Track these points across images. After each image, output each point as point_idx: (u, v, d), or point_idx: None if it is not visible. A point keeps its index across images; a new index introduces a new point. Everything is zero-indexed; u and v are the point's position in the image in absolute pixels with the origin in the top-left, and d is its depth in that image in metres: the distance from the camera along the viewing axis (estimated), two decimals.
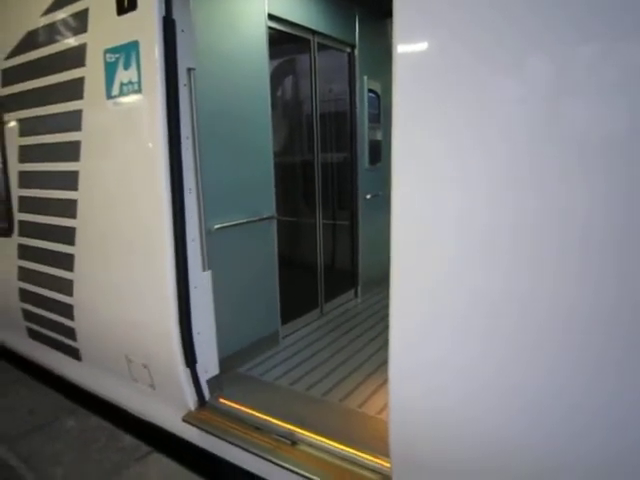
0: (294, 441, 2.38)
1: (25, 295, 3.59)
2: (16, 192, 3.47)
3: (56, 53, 2.89)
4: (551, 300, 1.52)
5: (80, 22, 2.67)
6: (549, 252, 1.50)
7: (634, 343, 1.41)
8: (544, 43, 1.44)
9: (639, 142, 1.32)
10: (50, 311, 3.38)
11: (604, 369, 1.48)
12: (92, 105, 2.71)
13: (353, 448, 2.24)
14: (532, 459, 1.66)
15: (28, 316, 3.64)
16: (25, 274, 3.55)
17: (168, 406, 2.81)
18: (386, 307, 1.86)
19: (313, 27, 3.89)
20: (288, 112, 4.22)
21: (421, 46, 1.65)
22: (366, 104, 4.59)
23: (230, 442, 2.46)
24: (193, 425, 2.63)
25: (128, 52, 2.42)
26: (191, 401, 2.69)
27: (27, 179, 3.36)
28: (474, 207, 1.61)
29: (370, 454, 2.19)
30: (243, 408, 2.67)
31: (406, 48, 1.66)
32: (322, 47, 4.10)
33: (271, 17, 3.40)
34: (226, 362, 3.03)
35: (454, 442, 1.83)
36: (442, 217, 1.69)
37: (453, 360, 1.75)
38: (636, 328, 1.40)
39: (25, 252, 3.52)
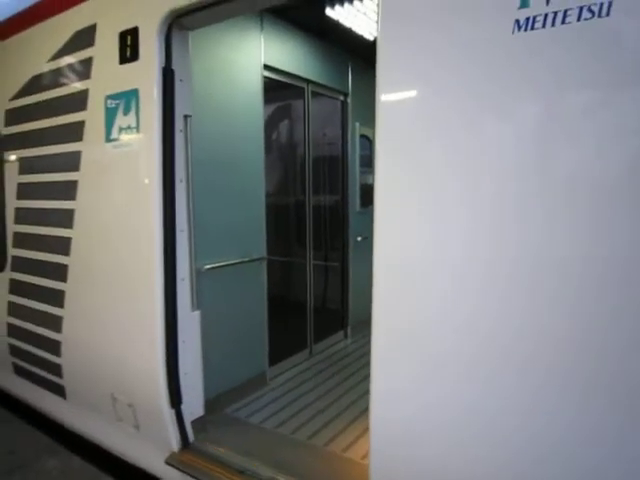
0: None
1: (13, 330, 3.58)
2: (11, 228, 3.52)
3: (59, 97, 3.00)
4: (537, 341, 1.54)
5: (84, 69, 2.80)
6: (532, 294, 1.53)
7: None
8: (521, 95, 1.51)
9: (627, 187, 1.37)
10: (37, 347, 3.37)
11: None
12: (91, 147, 2.80)
13: None
14: None
15: (15, 352, 3.61)
16: (14, 309, 3.55)
17: (151, 448, 2.77)
18: None
19: (307, 76, 4.06)
20: (282, 155, 4.34)
21: (401, 95, 1.74)
22: (357, 149, 4.74)
23: None
24: (175, 468, 2.59)
25: (128, 99, 2.53)
26: (175, 443, 2.66)
27: (23, 215, 3.42)
28: (458, 249, 1.65)
29: None
30: (227, 451, 2.64)
31: (388, 97, 1.75)
32: (316, 95, 4.27)
33: (267, 67, 3.56)
34: (212, 403, 3.01)
35: None
36: (425, 259, 1.72)
37: (436, 407, 1.75)
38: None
39: (16, 287, 3.53)
